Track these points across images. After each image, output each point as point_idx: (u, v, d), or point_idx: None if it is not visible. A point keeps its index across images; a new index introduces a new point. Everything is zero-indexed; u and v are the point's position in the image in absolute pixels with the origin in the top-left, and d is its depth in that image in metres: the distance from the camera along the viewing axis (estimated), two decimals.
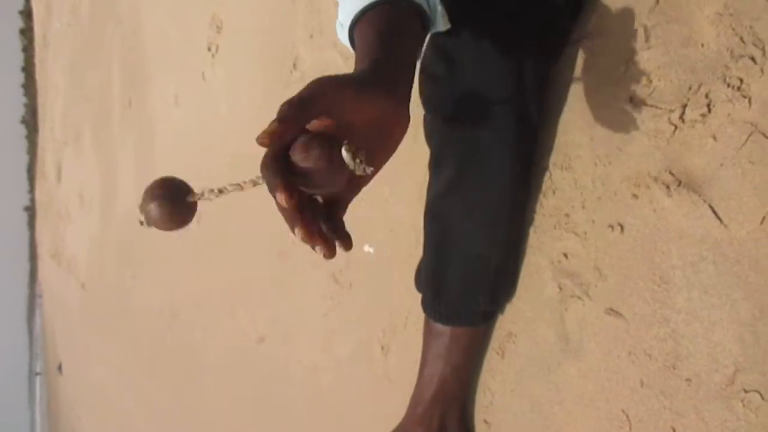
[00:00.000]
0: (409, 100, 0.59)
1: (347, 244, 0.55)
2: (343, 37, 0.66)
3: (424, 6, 0.64)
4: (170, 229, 0.52)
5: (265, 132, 0.50)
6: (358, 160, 0.49)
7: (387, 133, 0.57)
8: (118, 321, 4.10)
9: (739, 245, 0.70)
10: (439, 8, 0.65)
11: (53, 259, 7.51)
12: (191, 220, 0.52)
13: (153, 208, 0.51)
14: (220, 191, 0.51)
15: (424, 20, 0.65)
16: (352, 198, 0.58)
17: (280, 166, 0.50)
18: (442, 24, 0.66)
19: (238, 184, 0.52)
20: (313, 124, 0.51)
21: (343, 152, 0.48)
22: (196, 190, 0.53)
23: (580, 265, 0.87)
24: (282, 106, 0.50)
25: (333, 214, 0.56)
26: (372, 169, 0.50)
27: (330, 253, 0.53)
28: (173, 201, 0.51)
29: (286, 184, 0.49)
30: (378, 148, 0.57)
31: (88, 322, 5.37)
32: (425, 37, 0.67)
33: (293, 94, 0.51)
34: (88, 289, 5.29)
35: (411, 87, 0.60)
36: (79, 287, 5.60)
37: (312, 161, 0.48)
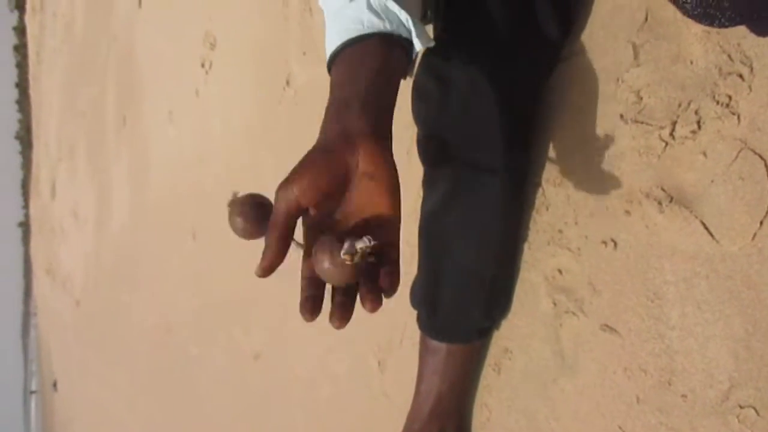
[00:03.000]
0: (388, 136, 0.59)
1: (386, 294, 0.55)
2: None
3: (403, 33, 0.65)
4: (245, 238, 0.60)
5: (257, 267, 0.56)
6: (358, 253, 0.51)
7: (379, 177, 0.57)
8: (113, 337, 4.08)
9: (731, 261, 0.70)
10: (414, 29, 0.65)
11: (48, 275, 7.48)
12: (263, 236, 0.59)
13: (238, 221, 0.59)
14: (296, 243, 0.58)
15: (404, 46, 0.66)
16: (396, 236, 0.58)
17: (309, 287, 0.55)
18: (423, 42, 0.66)
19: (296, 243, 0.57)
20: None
21: (342, 255, 0.51)
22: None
23: (575, 281, 0.87)
24: (266, 238, 0.56)
25: (387, 260, 0.55)
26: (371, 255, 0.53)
27: (341, 323, 0.54)
28: (257, 221, 0.59)
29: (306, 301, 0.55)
30: (379, 194, 0.57)
31: (82, 338, 5.35)
32: (408, 63, 0.68)
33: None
34: (82, 305, 5.27)
35: (386, 120, 0.60)
36: (73, 304, 5.58)
37: (319, 269, 0.53)
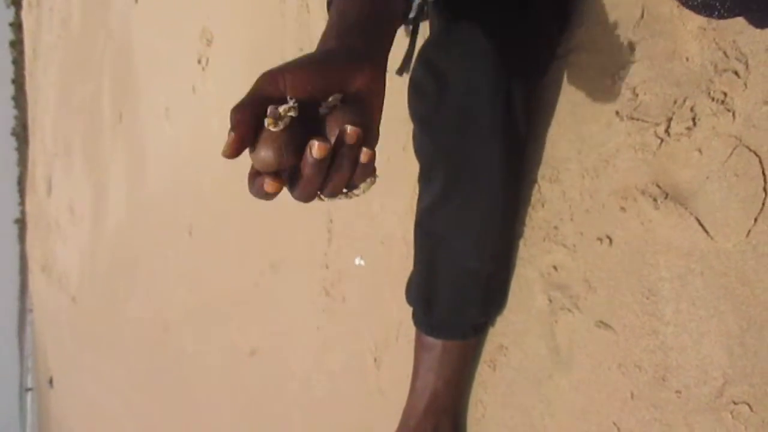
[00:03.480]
0: (384, 66, 0.57)
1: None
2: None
3: None
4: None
5: (225, 146, 0.49)
6: (283, 117, 0.46)
7: (368, 103, 0.54)
8: (110, 334, 4.07)
9: (725, 257, 0.70)
10: None
11: (44, 272, 7.47)
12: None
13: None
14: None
15: None
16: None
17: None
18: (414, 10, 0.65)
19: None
20: None
21: (266, 123, 0.46)
22: None
23: (570, 278, 0.87)
24: (231, 112, 0.49)
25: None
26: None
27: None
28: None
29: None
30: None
31: (79, 335, 5.34)
32: (405, 8, 0.66)
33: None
34: (78, 302, 5.26)
35: (386, 53, 0.58)
36: (69, 300, 5.57)
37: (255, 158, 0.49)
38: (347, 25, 0.57)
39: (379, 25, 0.59)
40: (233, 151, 0.49)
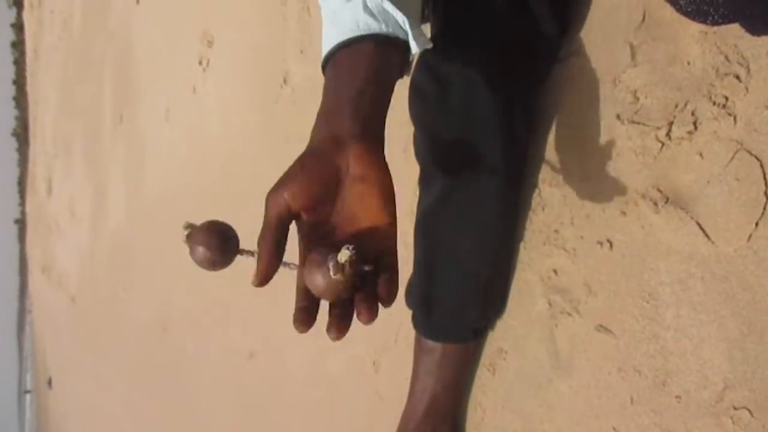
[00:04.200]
0: (379, 138, 0.59)
1: (384, 304, 0.53)
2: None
3: (399, 34, 0.64)
4: (209, 269, 0.57)
5: (253, 277, 0.54)
6: (346, 267, 0.50)
7: (370, 180, 0.56)
8: (109, 335, 4.07)
9: (726, 262, 0.70)
10: (411, 31, 0.64)
11: (44, 272, 7.47)
12: (230, 263, 0.57)
13: (200, 251, 0.56)
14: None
15: (400, 47, 0.65)
16: (392, 243, 0.56)
17: (303, 299, 0.54)
18: (420, 44, 0.65)
19: (286, 263, 0.56)
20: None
21: (332, 274, 0.50)
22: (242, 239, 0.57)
23: (570, 282, 0.87)
24: (257, 243, 0.55)
25: (385, 267, 0.54)
26: (369, 267, 0.52)
27: (338, 335, 0.52)
28: (221, 250, 0.56)
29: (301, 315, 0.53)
30: (371, 198, 0.56)
31: (78, 336, 5.34)
32: (404, 63, 0.67)
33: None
34: (78, 303, 5.25)
35: (377, 123, 0.60)
36: (69, 301, 5.57)
37: (309, 284, 0.52)
38: (334, 106, 0.59)
39: (370, 94, 0.60)
40: (261, 282, 0.54)
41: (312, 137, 0.58)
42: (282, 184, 0.55)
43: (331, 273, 0.49)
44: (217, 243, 0.55)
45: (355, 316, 0.52)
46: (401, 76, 0.68)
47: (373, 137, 0.58)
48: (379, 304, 0.52)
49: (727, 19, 0.50)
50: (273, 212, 0.55)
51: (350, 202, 0.56)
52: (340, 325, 0.52)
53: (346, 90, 0.60)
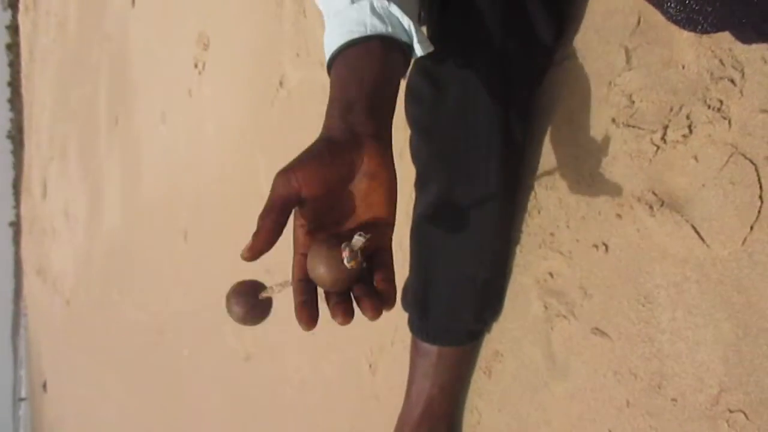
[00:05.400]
0: (390, 138, 0.60)
1: (386, 303, 0.54)
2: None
3: (403, 38, 0.65)
4: (254, 323, 0.58)
5: (244, 249, 0.53)
6: (358, 254, 0.51)
7: (379, 179, 0.57)
8: (104, 338, 4.06)
9: (721, 265, 0.70)
10: (416, 35, 0.66)
11: (38, 275, 7.44)
12: (269, 312, 0.58)
13: (236, 308, 0.57)
14: (285, 285, 0.56)
15: (404, 50, 0.66)
16: (389, 239, 0.58)
17: (303, 292, 0.54)
18: (424, 48, 0.67)
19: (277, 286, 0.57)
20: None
21: (346, 262, 0.51)
22: (268, 284, 0.58)
23: (566, 285, 0.87)
24: (258, 218, 0.54)
25: (381, 263, 0.55)
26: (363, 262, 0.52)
27: (346, 320, 0.52)
28: (250, 301, 0.57)
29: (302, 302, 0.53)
30: (377, 196, 0.57)
31: (73, 339, 5.32)
32: (406, 67, 0.68)
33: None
34: (73, 305, 5.24)
35: (389, 123, 0.61)
36: (64, 304, 5.55)
37: (316, 274, 0.52)
38: (349, 100, 0.59)
39: (382, 93, 0.61)
40: (252, 256, 0.53)
41: (326, 128, 0.58)
42: (295, 167, 0.55)
43: (346, 261, 0.50)
44: (252, 302, 0.57)
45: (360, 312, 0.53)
46: (404, 77, 0.69)
47: (386, 136, 0.59)
48: (382, 307, 0.53)
49: (716, 28, 0.50)
50: (281, 193, 0.54)
51: (355, 197, 0.57)
52: (345, 311, 0.52)
53: (358, 87, 0.60)
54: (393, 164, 0.58)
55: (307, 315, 0.52)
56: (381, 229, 0.56)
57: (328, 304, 0.53)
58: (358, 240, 0.50)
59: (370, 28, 0.64)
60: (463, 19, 0.80)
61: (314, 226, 0.56)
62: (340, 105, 0.59)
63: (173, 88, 2.61)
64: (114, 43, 3.78)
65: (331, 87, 0.62)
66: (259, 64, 1.84)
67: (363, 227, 0.55)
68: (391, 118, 0.62)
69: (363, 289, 0.53)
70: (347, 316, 0.52)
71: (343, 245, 0.51)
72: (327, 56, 0.66)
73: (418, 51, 0.67)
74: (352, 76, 0.62)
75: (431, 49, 0.68)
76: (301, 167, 0.55)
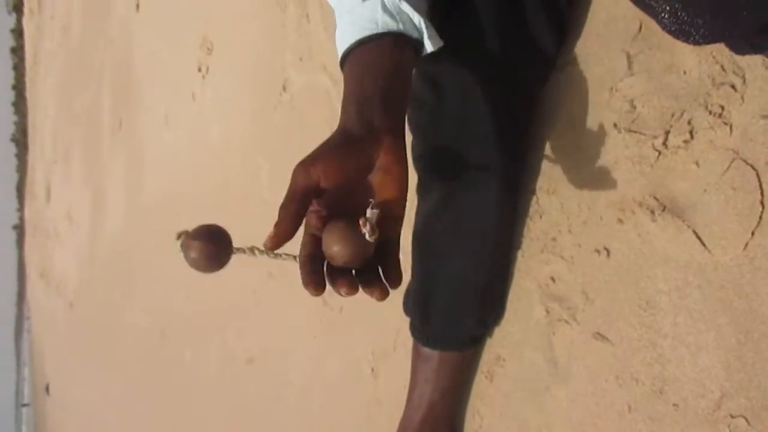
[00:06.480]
0: (403, 132, 0.61)
1: (393, 284, 0.56)
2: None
3: (414, 34, 0.66)
4: (206, 272, 0.58)
5: (267, 238, 0.55)
6: (375, 227, 0.53)
7: (394, 174, 0.58)
8: (107, 341, 4.06)
9: (723, 271, 0.70)
10: (426, 31, 0.67)
11: (42, 278, 7.46)
12: (225, 265, 0.58)
13: (192, 253, 0.57)
14: (258, 251, 0.57)
15: (415, 47, 0.67)
16: (398, 231, 0.60)
17: (311, 264, 0.55)
18: (434, 44, 0.68)
19: (276, 254, 0.57)
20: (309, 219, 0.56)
21: (368, 235, 0.53)
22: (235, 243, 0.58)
23: (568, 289, 0.87)
24: (279, 209, 0.55)
25: (386, 253, 0.57)
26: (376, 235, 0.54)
27: (351, 291, 0.54)
28: (214, 249, 0.57)
29: (312, 280, 0.54)
30: (389, 190, 0.58)
31: (76, 342, 5.33)
32: (417, 62, 0.69)
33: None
34: (76, 308, 5.25)
35: (403, 119, 0.62)
36: (67, 307, 5.56)
37: (334, 251, 0.54)
38: (365, 96, 0.61)
39: (396, 89, 0.63)
40: (274, 245, 0.55)
41: (345, 122, 0.60)
42: (315, 159, 0.57)
43: (368, 235, 0.52)
44: (209, 243, 0.57)
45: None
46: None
47: (401, 132, 0.61)
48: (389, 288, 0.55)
49: (707, 40, 0.50)
50: (302, 183, 0.56)
51: (369, 189, 0.58)
52: (349, 284, 0.54)
53: (372, 83, 0.62)
54: (406, 159, 0.60)
55: (316, 282, 0.54)
56: (390, 219, 0.58)
57: (332, 282, 0.55)
58: (373, 214, 0.53)
59: (381, 25, 0.65)
60: (466, 27, 0.80)
61: (328, 214, 0.58)
62: (356, 100, 0.61)
63: (176, 92, 2.62)
64: (118, 47, 3.79)
65: (345, 83, 0.64)
66: (263, 68, 1.85)
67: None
68: (405, 114, 0.63)
69: (368, 274, 0.55)
70: (351, 288, 0.54)
71: (361, 220, 0.53)
72: (339, 53, 0.67)
73: (429, 47, 0.68)
74: (367, 73, 0.63)
75: (441, 43, 0.69)
76: (321, 159, 0.57)
